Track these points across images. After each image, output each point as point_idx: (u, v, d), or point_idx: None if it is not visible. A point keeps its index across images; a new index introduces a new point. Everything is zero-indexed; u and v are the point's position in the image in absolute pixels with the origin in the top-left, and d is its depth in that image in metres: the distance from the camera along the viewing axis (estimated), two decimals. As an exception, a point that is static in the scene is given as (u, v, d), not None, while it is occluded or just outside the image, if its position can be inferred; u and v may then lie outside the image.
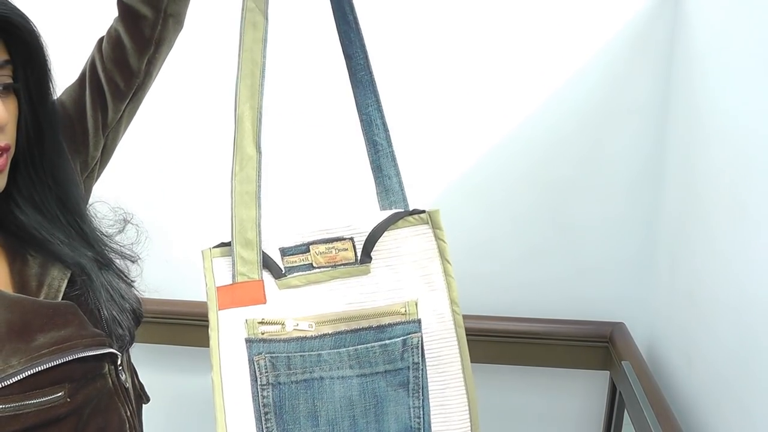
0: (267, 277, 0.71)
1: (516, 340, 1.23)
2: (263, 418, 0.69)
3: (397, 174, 0.78)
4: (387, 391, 0.73)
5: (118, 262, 0.75)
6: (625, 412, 1.11)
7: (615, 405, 1.19)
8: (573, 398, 1.31)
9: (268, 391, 0.69)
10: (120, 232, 0.79)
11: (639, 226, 1.19)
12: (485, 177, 1.21)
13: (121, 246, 0.78)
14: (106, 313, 0.68)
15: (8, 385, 0.58)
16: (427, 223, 0.77)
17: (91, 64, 0.78)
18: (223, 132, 1.25)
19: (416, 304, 0.74)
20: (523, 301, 1.26)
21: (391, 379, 0.73)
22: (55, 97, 0.72)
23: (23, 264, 0.66)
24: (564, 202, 1.20)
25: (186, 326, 1.33)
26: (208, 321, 0.70)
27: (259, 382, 0.69)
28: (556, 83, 1.14)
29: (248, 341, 0.69)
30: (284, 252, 0.73)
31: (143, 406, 0.79)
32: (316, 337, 0.71)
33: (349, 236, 0.74)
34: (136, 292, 0.76)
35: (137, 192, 1.32)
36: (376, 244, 0.74)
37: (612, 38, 1.11)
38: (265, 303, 0.71)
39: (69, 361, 0.62)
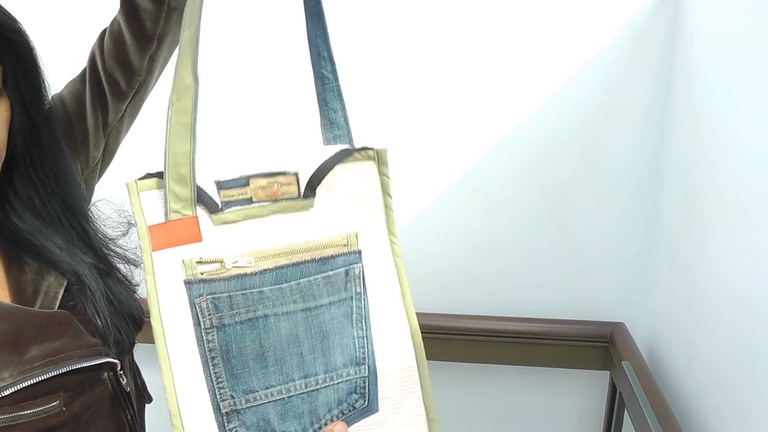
0: (202, 212, 0.67)
1: (516, 340, 1.23)
2: (210, 363, 0.66)
3: (343, 108, 0.76)
4: (332, 324, 0.71)
5: (121, 266, 0.74)
6: (625, 412, 1.11)
7: (615, 405, 1.19)
8: (573, 398, 1.31)
9: (212, 335, 0.66)
10: (124, 234, 0.78)
11: (639, 227, 1.19)
12: (485, 177, 1.21)
13: (124, 249, 0.76)
14: (104, 320, 0.66)
15: (0, 398, 0.56)
16: (374, 159, 0.75)
17: (92, 60, 0.75)
18: (229, 130, 1.25)
19: (356, 236, 0.73)
20: (523, 301, 1.26)
21: (336, 311, 0.71)
22: (51, 95, 0.70)
23: (19, 270, 0.65)
24: (564, 203, 1.20)
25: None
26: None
27: (202, 326, 0.65)
28: (556, 84, 1.14)
29: (187, 283, 0.65)
30: (221, 185, 0.68)
31: (146, 405, 0.78)
32: (256, 273, 0.67)
33: (294, 171, 0.71)
34: (137, 297, 0.75)
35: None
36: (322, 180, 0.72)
37: (612, 38, 1.11)
38: (201, 241, 0.66)
39: (63, 372, 0.60)
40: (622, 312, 1.23)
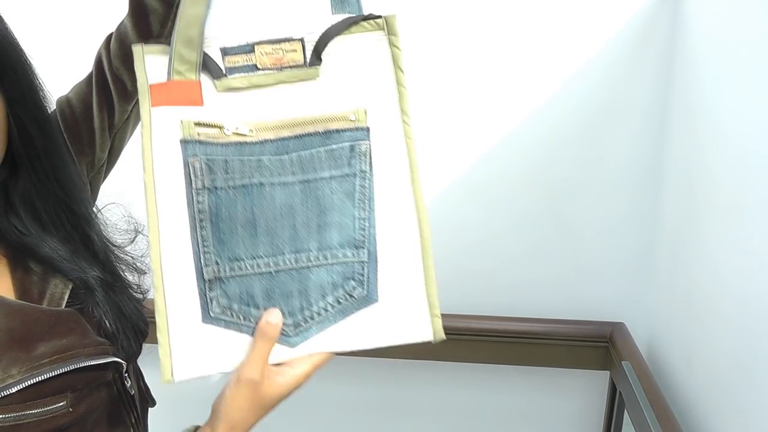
0: (205, 79, 0.65)
1: (516, 340, 1.23)
2: (198, 226, 0.64)
3: None
4: (331, 200, 0.67)
5: (129, 275, 0.73)
6: (625, 412, 1.11)
7: (615, 405, 1.19)
8: (573, 398, 1.31)
9: (203, 196, 0.64)
10: (131, 242, 0.77)
11: (639, 227, 1.19)
12: (485, 176, 1.21)
13: (132, 257, 0.75)
14: (112, 325, 0.67)
15: (8, 395, 0.56)
16: (383, 29, 0.72)
17: (98, 62, 0.76)
18: None
19: (365, 112, 0.70)
20: (523, 301, 1.26)
21: (336, 186, 0.68)
22: (57, 97, 0.70)
23: (25, 273, 0.65)
24: (564, 202, 1.20)
25: (186, 326, 1.33)
26: None
27: (194, 186, 0.64)
28: (556, 83, 1.14)
29: (183, 142, 0.64)
30: (226, 51, 0.66)
31: (149, 409, 0.78)
32: (256, 143, 0.66)
33: (299, 37, 0.68)
34: (144, 307, 0.74)
35: (136, 192, 1.32)
36: (327, 47, 0.69)
37: (612, 38, 1.11)
38: (201, 105, 0.65)
39: (71, 370, 0.60)
40: (622, 312, 1.23)
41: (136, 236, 0.78)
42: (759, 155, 0.77)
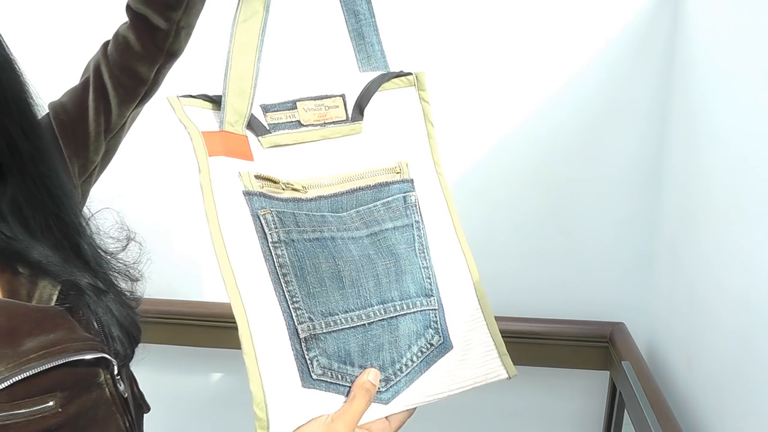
0: (250, 134, 0.63)
1: (516, 340, 1.23)
2: (282, 281, 0.59)
3: (380, 43, 0.74)
4: (399, 249, 0.67)
5: (121, 282, 0.72)
6: (625, 412, 1.11)
7: (615, 405, 1.19)
8: (573, 398, 1.31)
9: (282, 249, 0.60)
10: (123, 249, 0.76)
11: (639, 227, 1.19)
12: (485, 177, 1.21)
13: (125, 265, 0.74)
14: (100, 328, 0.65)
15: None
16: (414, 85, 0.74)
17: (96, 69, 0.77)
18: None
19: (407, 165, 0.71)
20: (523, 301, 1.26)
21: (399, 237, 0.67)
22: (50, 101, 0.70)
23: (13, 275, 0.64)
24: (564, 203, 1.20)
25: (186, 326, 1.33)
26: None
27: (269, 239, 0.59)
28: (556, 84, 1.14)
29: (247, 194, 0.60)
30: (267, 109, 0.65)
31: (143, 415, 0.76)
32: (312, 200, 0.64)
33: (340, 93, 0.68)
34: (136, 314, 0.72)
35: (138, 192, 1.32)
36: (369, 102, 0.70)
37: (612, 38, 1.11)
38: (252, 160, 0.62)
39: (59, 366, 0.58)
40: (622, 312, 1.23)
41: (128, 243, 0.76)
42: (759, 156, 0.77)
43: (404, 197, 0.69)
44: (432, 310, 0.67)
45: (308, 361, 0.59)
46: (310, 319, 0.60)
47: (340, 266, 0.62)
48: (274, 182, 0.62)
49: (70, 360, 0.59)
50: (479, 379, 0.69)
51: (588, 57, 1.12)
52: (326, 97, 0.68)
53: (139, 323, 0.71)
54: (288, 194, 0.63)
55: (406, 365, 0.65)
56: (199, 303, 1.34)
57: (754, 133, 0.79)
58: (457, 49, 1.15)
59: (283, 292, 0.59)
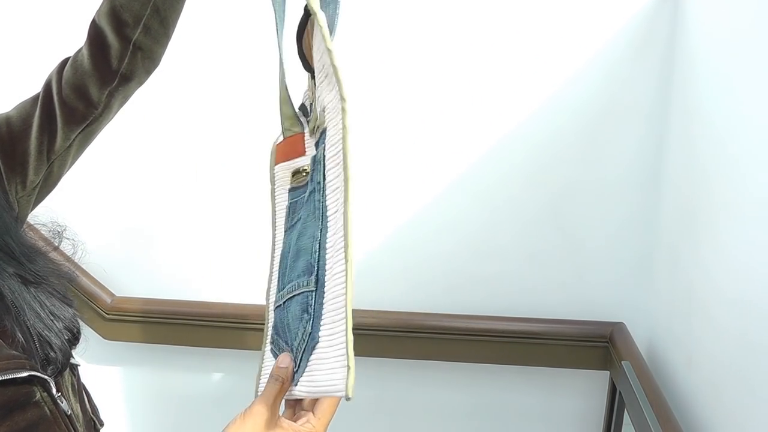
0: (303, 123, 0.75)
1: (516, 340, 1.23)
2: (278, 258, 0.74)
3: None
4: (308, 220, 0.68)
5: (54, 280, 0.67)
6: (625, 412, 1.11)
7: (615, 405, 1.19)
8: (573, 398, 1.31)
9: (290, 232, 0.72)
10: (56, 248, 0.73)
11: (639, 227, 1.19)
12: (485, 177, 1.21)
13: (57, 263, 0.70)
14: (28, 334, 0.60)
15: None
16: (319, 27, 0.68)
17: (47, 85, 0.74)
18: (219, 134, 1.25)
19: (324, 110, 0.68)
20: (523, 301, 1.26)
21: (309, 204, 0.70)
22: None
23: None
24: (564, 203, 1.20)
25: (186, 326, 1.33)
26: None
27: (285, 226, 0.74)
28: (555, 84, 1.14)
29: (290, 190, 0.74)
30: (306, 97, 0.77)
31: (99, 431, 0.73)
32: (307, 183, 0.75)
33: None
34: (74, 311, 0.68)
35: (136, 192, 1.32)
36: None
37: (612, 38, 1.11)
38: (305, 155, 0.73)
39: None
40: (622, 312, 1.23)
41: (61, 241, 0.74)
42: (759, 157, 0.77)
43: (321, 152, 0.66)
44: (309, 291, 0.60)
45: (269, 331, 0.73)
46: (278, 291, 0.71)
47: (294, 249, 0.69)
48: (305, 172, 0.72)
49: None
50: (322, 389, 0.56)
51: (588, 57, 1.12)
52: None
53: (78, 319, 0.68)
54: (303, 180, 0.72)
55: (297, 350, 0.60)
56: (199, 303, 1.34)
57: (753, 133, 0.79)
58: (456, 49, 1.15)
59: (275, 269, 0.73)
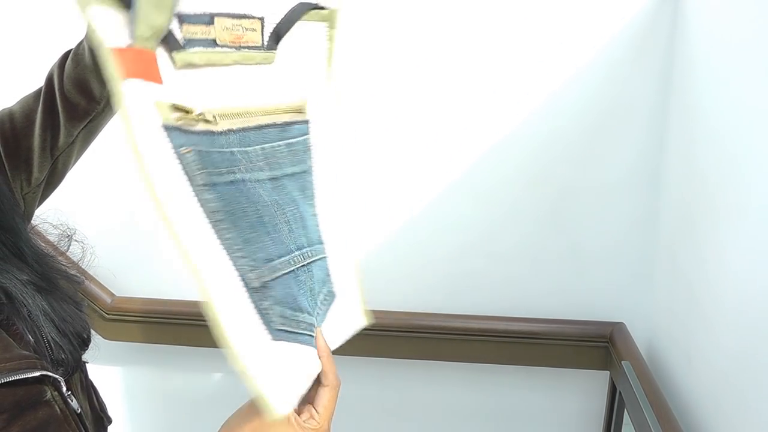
0: (162, 52, 0.55)
1: (516, 340, 1.23)
2: (217, 228, 0.56)
3: None
4: (297, 195, 0.65)
5: (63, 283, 0.68)
6: (625, 412, 1.11)
7: (615, 405, 1.19)
8: (573, 398, 1.31)
9: (209, 194, 0.55)
10: (64, 252, 0.72)
11: (639, 227, 1.19)
12: (486, 179, 1.21)
13: (66, 266, 0.70)
14: (39, 336, 0.60)
15: None
16: (326, 20, 0.69)
17: (49, 80, 0.71)
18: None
19: (307, 104, 0.67)
20: (523, 302, 1.26)
21: (296, 184, 0.65)
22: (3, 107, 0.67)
23: None
24: (565, 204, 1.20)
25: (186, 326, 1.33)
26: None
27: (194, 183, 0.55)
28: (555, 84, 1.14)
29: (166, 128, 0.53)
30: (183, 19, 0.56)
31: (106, 428, 0.73)
32: (222, 133, 0.58)
33: (260, 16, 0.61)
34: (84, 315, 0.69)
35: (136, 192, 1.32)
36: (287, 32, 0.65)
37: (612, 38, 1.11)
38: (161, 83, 0.54)
39: None
40: (622, 312, 1.23)
41: (70, 244, 0.73)
42: (759, 157, 0.77)
43: (305, 140, 0.67)
44: (325, 258, 0.68)
45: (264, 313, 0.59)
46: (254, 268, 0.58)
47: (260, 211, 0.59)
48: (187, 112, 0.55)
49: (6, 381, 0.55)
50: (349, 330, 0.71)
51: (587, 58, 1.12)
52: (245, 17, 0.60)
53: (88, 322, 0.68)
54: (201, 126, 0.56)
55: (318, 314, 0.65)
56: (199, 303, 1.34)
57: (753, 133, 0.79)
58: (458, 50, 1.15)
59: (224, 240, 0.56)
